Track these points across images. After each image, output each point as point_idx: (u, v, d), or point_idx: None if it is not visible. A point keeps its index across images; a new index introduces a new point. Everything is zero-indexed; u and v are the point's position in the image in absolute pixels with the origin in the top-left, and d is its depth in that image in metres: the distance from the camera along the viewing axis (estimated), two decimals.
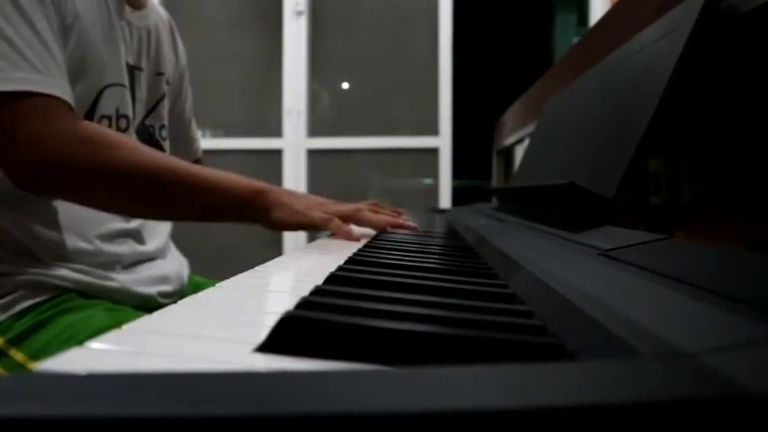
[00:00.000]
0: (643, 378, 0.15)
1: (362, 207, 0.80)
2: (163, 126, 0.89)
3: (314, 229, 0.75)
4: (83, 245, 0.74)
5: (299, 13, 2.32)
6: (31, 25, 0.64)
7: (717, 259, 0.28)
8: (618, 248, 0.35)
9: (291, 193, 0.77)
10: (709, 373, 0.15)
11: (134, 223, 0.81)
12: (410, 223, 0.82)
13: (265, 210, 0.73)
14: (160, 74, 0.88)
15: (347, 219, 0.75)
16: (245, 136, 2.38)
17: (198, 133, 1.05)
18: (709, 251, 0.30)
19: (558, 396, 0.13)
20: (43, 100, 0.63)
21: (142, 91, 0.84)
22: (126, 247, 0.79)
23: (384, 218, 0.80)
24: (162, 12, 0.92)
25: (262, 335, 0.22)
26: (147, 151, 0.70)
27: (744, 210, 0.43)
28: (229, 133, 2.40)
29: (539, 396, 0.13)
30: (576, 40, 2.32)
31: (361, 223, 0.78)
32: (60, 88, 0.65)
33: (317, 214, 0.74)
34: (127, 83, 0.79)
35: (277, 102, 2.35)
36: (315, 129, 2.38)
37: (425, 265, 0.46)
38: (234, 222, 0.76)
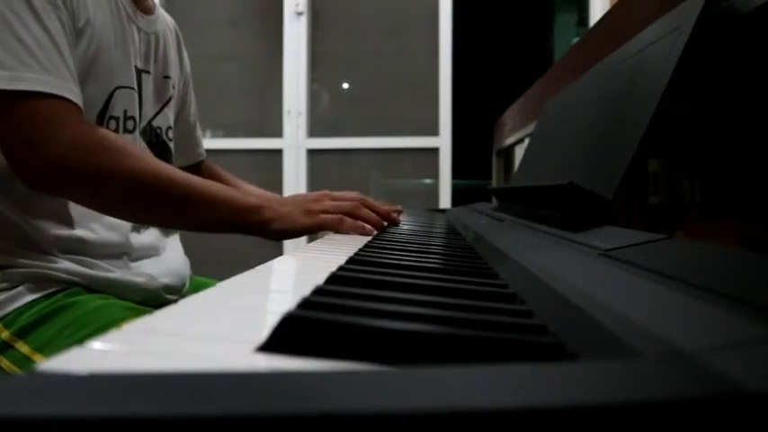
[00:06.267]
0: (643, 378, 0.15)
1: (358, 201, 0.78)
2: (170, 128, 0.90)
3: (322, 230, 0.76)
4: (88, 237, 0.74)
5: (299, 13, 2.32)
6: (44, 27, 0.64)
7: (717, 259, 0.28)
8: (618, 248, 0.35)
9: (285, 201, 0.77)
10: (710, 372, 0.15)
11: None
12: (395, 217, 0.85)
13: (264, 224, 0.73)
14: (167, 77, 0.89)
15: (349, 214, 0.75)
16: (246, 136, 2.38)
17: (201, 137, 1.07)
18: (710, 251, 0.30)
19: (559, 396, 0.13)
20: (52, 101, 0.64)
21: (148, 93, 0.85)
22: (130, 239, 0.79)
23: (377, 219, 0.79)
24: (169, 19, 0.94)
25: (263, 335, 0.22)
26: (152, 161, 0.70)
27: (744, 210, 0.43)
28: (229, 133, 2.40)
29: (539, 396, 0.13)
30: (575, 40, 2.32)
31: (360, 220, 0.77)
32: (70, 90, 0.65)
33: (323, 217, 0.74)
34: (135, 85, 0.80)
35: (277, 102, 2.35)
36: (315, 129, 2.38)
37: (426, 264, 0.46)
38: (234, 233, 0.75)
